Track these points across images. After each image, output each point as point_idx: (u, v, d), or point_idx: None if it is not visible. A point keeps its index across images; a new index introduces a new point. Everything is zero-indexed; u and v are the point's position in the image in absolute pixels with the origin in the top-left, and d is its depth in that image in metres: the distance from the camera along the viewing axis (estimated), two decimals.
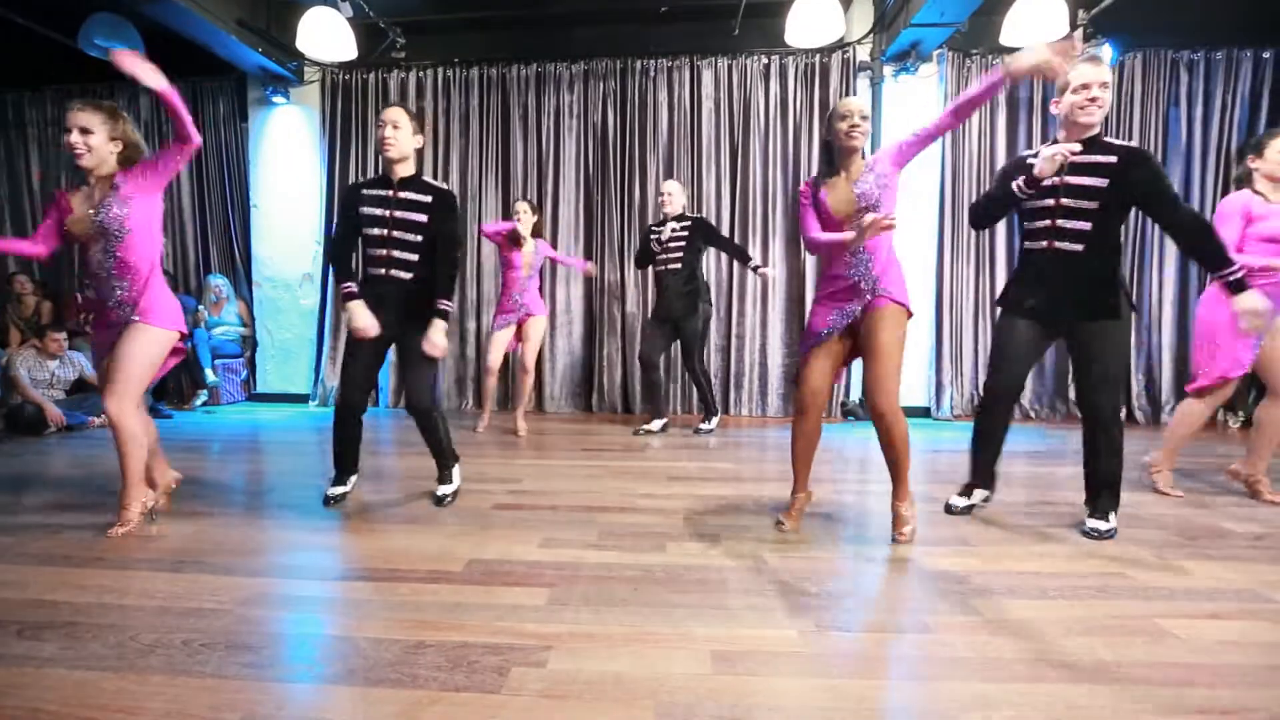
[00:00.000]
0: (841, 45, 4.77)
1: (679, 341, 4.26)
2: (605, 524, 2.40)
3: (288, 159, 5.41)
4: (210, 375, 5.10)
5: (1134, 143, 4.82)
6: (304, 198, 5.40)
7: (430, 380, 2.55)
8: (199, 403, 5.15)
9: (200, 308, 5.27)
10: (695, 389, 4.59)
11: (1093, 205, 2.15)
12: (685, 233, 4.07)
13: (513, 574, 1.93)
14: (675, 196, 4.13)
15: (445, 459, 2.68)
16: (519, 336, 4.17)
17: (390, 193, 2.48)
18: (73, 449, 3.73)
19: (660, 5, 4.72)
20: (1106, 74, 2.12)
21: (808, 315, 2.51)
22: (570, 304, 5.22)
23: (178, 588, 1.81)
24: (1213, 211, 4.76)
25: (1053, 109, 2.25)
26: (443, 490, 2.65)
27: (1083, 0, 3.95)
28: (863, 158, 2.21)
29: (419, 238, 2.48)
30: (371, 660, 1.44)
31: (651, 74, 5.03)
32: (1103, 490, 2.32)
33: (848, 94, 4.85)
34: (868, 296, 2.17)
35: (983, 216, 2.42)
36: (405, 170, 2.50)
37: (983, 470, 2.52)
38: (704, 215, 4.95)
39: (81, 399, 4.37)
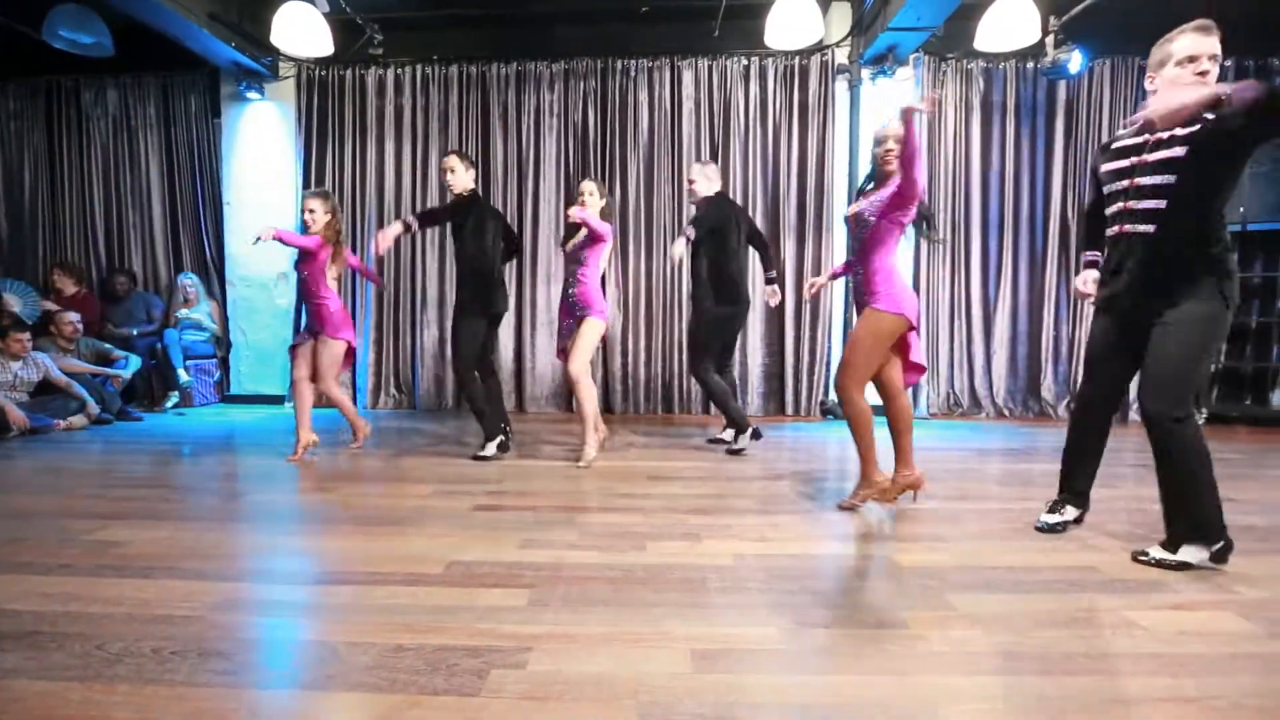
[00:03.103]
0: (820, 48, 4.82)
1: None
2: (585, 524, 2.39)
3: (262, 156, 5.31)
4: (183, 375, 5.00)
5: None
6: (279, 195, 5.31)
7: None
8: (170, 404, 5.04)
9: (186, 312, 5.17)
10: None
11: (1170, 180, 1.90)
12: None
13: (492, 575, 1.92)
14: (699, 185, 3.71)
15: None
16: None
17: None
18: (36, 452, 3.62)
19: (641, 5, 4.72)
20: (1216, 45, 1.88)
21: None
22: (550, 304, 5.20)
23: (147, 594, 1.77)
24: None
25: (1148, 85, 2.03)
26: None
27: (1053, 7, 4.03)
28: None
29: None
30: (348, 665, 1.42)
31: (632, 74, 5.03)
32: (1172, 516, 1.98)
33: (827, 95, 4.90)
34: (864, 299, 2.52)
35: (1093, 221, 2.24)
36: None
37: (1068, 485, 2.32)
38: (685, 217, 4.97)
39: (47, 400, 4.25)
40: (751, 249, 3.91)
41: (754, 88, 4.98)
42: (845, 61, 4.90)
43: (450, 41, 5.13)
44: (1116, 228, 2.04)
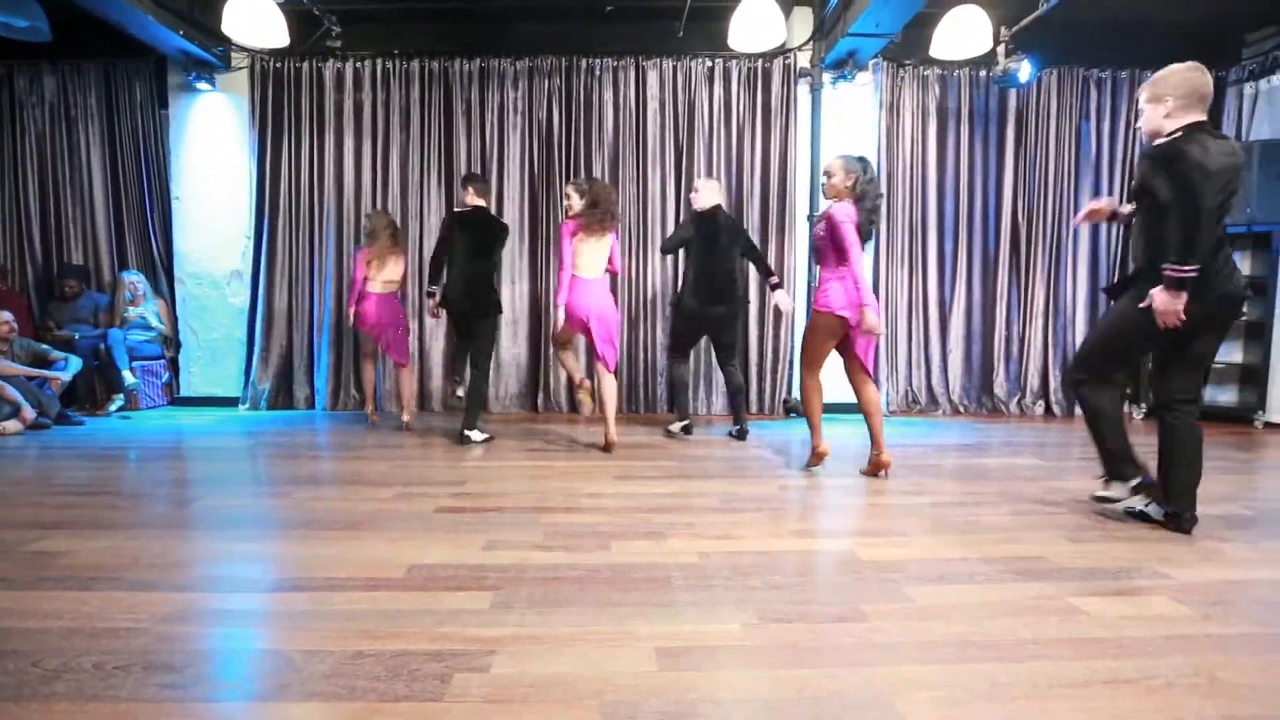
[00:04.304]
0: (783, 51, 4.89)
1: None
2: (551, 525, 2.38)
3: (213, 149, 5.12)
4: (129, 377, 4.78)
5: (1054, 153, 5.12)
6: (232, 191, 5.13)
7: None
8: (114, 408, 4.81)
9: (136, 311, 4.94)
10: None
11: (1131, 206, 2.41)
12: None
13: (456, 578, 1.90)
14: (703, 193, 3.97)
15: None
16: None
17: None
18: None
19: (605, 4, 4.71)
20: (1142, 99, 2.29)
21: None
22: (516, 304, 5.15)
23: (88, 607, 1.69)
24: (1122, 220, 5.14)
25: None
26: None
27: (1004, 18, 4.17)
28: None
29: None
30: (305, 673, 1.39)
31: (597, 73, 5.02)
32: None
33: (789, 98, 4.98)
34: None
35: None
36: None
37: (1119, 457, 2.54)
38: (650, 216, 5.00)
39: None
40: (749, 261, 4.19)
41: (718, 89, 5.03)
42: (807, 65, 4.98)
43: (411, 35, 5.03)
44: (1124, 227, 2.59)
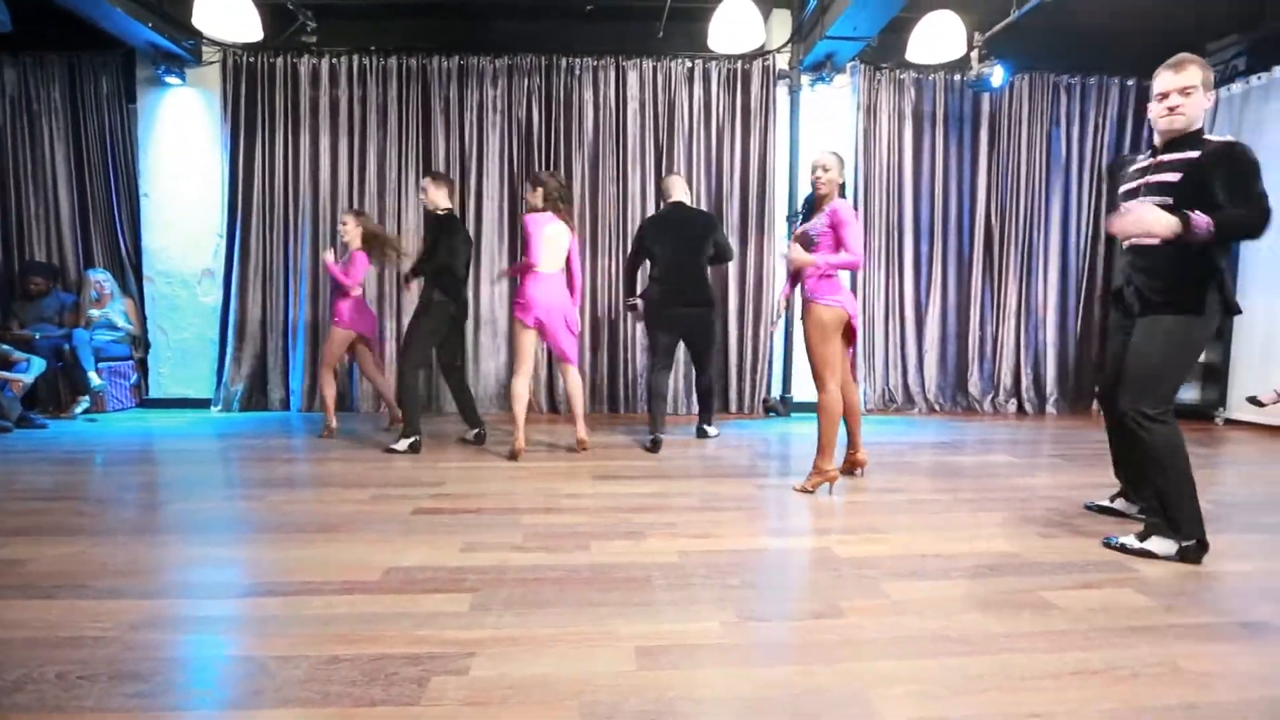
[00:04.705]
0: (762, 53, 4.93)
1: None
2: (530, 526, 2.37)
3: (184, 145, 5.00)
4: (95, 379, 4.65)
5: (1026, 157, 5.20)
6: (203, 188, 5.02)
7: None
8: (79, 410, 4.68)
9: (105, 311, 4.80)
10: None
11: (1169, 201, 2.01)
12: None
13: (434, 580, 1.88)
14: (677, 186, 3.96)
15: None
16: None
17: None
18: None
19: (585, 3, 4.70)
20: (1188, 79, 2.00)
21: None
22: (495, 304, 5.12)
23: (52, 616, 1.64)
24: (1091, 223, 5.28)
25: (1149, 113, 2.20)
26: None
27: (978, 24, 4.25)
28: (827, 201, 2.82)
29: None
30: (279, 680, 1.36)
31: (577, 72, 5.01)
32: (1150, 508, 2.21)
33: (768, 100, 5.01)
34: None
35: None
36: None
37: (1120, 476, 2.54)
38: (630, 216, 5.00)
39: None
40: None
41: (698, 90, 5.04)
42: (786, 67, 5.02)
43: (388, 31, 4.97)
44: (1126, 240, 2.17)
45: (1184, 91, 2.02)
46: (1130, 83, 5.22)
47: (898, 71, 5.07)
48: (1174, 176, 2.03)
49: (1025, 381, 5.32)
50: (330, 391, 4.07)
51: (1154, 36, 4.71)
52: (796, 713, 1.28)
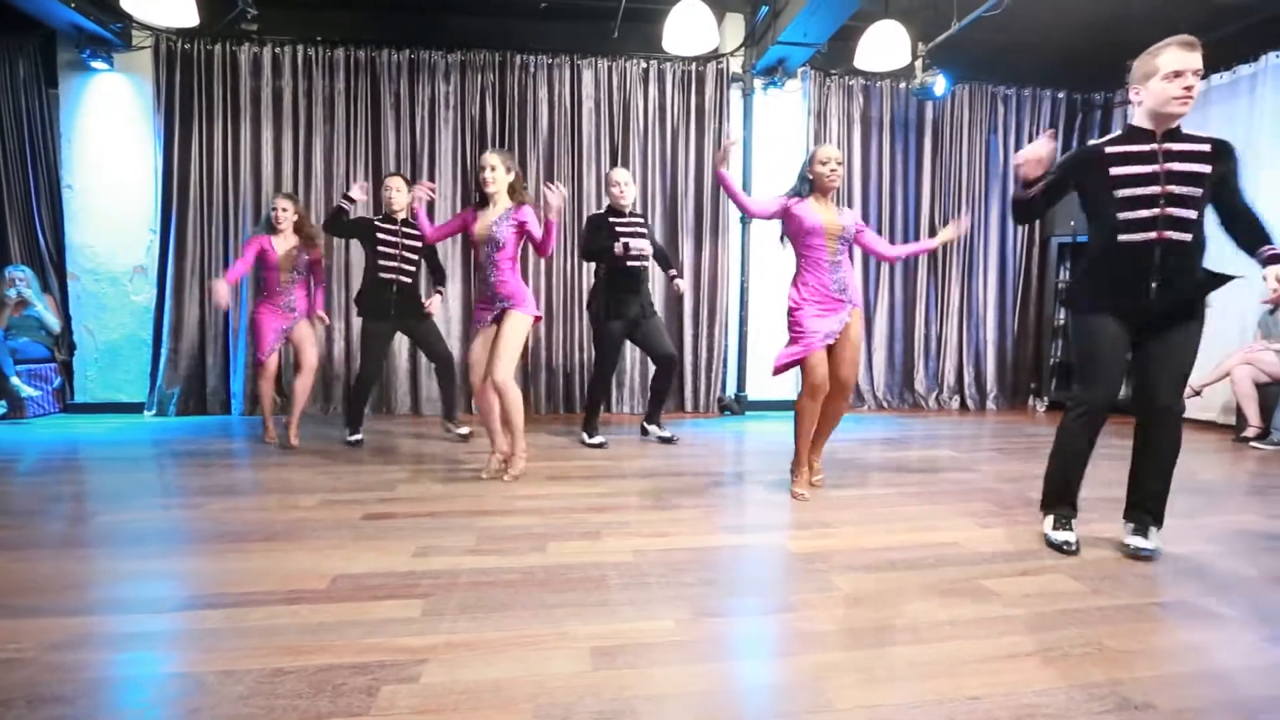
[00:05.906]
0: (716, 56, 4.98)
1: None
2: (484, 528, 2.34)
3: (112, 135, 4.73)
4: (23, 388, 4.34)
5: (967, 163, 5.42)
6: (134, 181, 4.75)
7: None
8: None
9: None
10: None
11: (1198, 192, 1.93)
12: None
13: (384, 587, 1.83)
14: (628, 188, 3.75)
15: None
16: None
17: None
18: None
19: (539, 1, 4.66)
20: (1200, 61, 1.89)
21: (797, 316, 2.74)
22: (450, 303, 5.02)
23: None
24: (1027, 227, 5.54)
25: (1131, 96, 2.04)
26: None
27: (922, 34, 4.42)
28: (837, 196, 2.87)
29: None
30: (218, 696, 1.31)
31: (531, 70, 4.96)
32: (1151, 501, 2.14)
33: (722, 102, 5.08)
34: (848, 304, 2.77)
35: (1032, 211, 2.26)
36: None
37: (1073, 495, 2.21)
38: (584, 215, 4.98)
39: None
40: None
41: (653, 90, 5.07)
42: (739, 71, 5.10)
43: (335, 22, 4.81)
44: (1155, 233, 1.96)
45: (1196, 72, 1.89)
46: (1060, 95, 5.51)
47: (847, 78, 5.21)
48: (1204, 168, 1.92)
49: (968, 379, 5.54)
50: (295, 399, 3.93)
51: (1080, 51, 4.99)
52: (751, 706, 1.31)
